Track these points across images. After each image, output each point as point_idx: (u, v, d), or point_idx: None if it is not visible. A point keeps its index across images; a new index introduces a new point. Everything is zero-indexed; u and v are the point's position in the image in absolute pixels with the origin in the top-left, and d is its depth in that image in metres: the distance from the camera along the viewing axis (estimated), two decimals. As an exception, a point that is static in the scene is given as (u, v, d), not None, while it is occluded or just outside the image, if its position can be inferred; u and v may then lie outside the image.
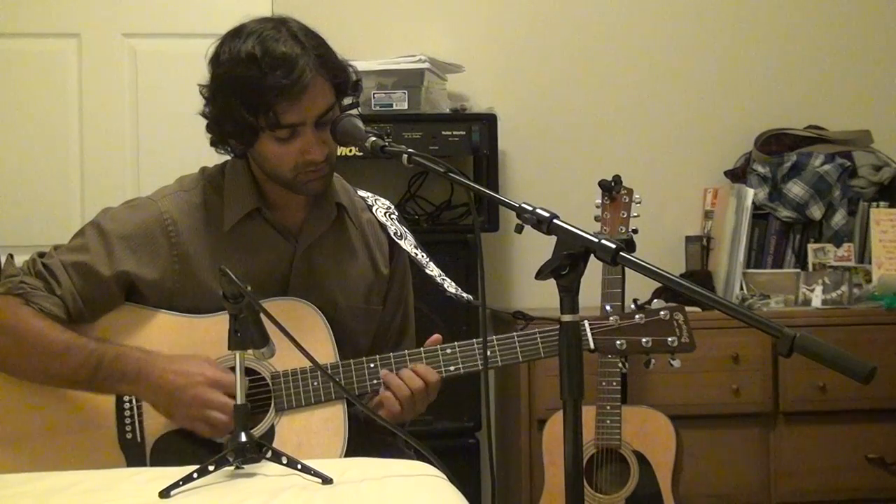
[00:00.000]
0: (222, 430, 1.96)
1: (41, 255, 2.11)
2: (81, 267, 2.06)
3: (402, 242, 2.24)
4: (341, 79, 2.08)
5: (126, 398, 2.04)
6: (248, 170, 2.14)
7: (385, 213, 2.26)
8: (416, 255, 2.24)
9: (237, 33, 2.04)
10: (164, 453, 2.00)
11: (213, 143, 2.15)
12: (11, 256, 2.19)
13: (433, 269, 2.24)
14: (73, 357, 2.00)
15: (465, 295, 2.21)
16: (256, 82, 1.97)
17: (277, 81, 1.96)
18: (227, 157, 2.18)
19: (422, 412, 2.08)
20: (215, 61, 2.05)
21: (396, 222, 2.26)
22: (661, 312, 2.11)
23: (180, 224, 2.10)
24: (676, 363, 2.14)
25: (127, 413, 2.04)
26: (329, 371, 2.01)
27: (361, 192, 2.28)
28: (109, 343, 2.03)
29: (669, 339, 2.10)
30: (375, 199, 2.28)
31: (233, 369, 1.73)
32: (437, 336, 2.11)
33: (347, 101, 2.12)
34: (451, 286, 2.22)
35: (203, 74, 2.12)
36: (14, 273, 2.08)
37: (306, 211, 2.16)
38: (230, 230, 2.10)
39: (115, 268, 2.06)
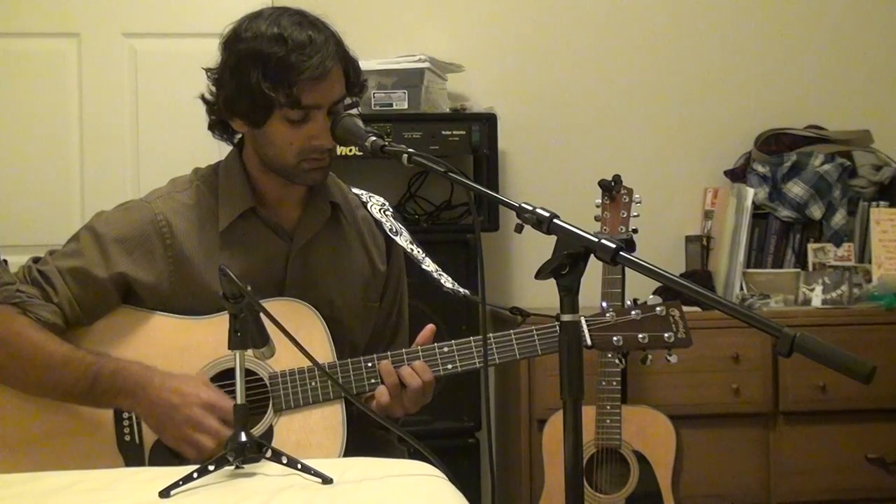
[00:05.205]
0: (208, 455, 1.90)
1: (36, 260, 2.10)
2: (77, 272, 2.05)
3: (397, 238, 2.23)
4: (353, 75, 2.10)
5: (125, 400, 2.04)
6: (243, 168, 2.13)
7: (380, 210, 2.25)
8: (412, 250, 2.23)
9: (257, 16, 2.05)
10: (162, 455, 1.99)
11: (212, 126, 2.15)
12: (5, 262, 2.17)
13: (429, 265, 2.23)
14: (70, 370, 1.99)
15: (462, 290, 2.21)
16: (281, 59, 1.98)
17: (301, 62, 1.98)
18: (222, 157, 2.17)
19: (412, 412, 2.08)
20: (235, 38, 2.05)
21: (391, 219, 2.26)
22: (658, 308, 2.10)
23: (174, 225, 2.09)
24: (673, 359, 2.13)
25: (125, 415, 2.03)
26: (327, 371, 2.01)
27: (355, 190, 2.28)
28: (108, 357, 2.02)
29: (666, 334, 2.09)
30: (370, 197, 2.28)
31: (232, 370, 1.73)
32: (431, 327, 2.10)
33: (349, 100, 2.12)
34: (448, 281, 2.22)
35: (202, 75, 2.12)
36: (9, 281, 2.06)
37: (301, 210, 2.15)
38: (225, 230, 2.10)
39: (111, 270, 2.05)
